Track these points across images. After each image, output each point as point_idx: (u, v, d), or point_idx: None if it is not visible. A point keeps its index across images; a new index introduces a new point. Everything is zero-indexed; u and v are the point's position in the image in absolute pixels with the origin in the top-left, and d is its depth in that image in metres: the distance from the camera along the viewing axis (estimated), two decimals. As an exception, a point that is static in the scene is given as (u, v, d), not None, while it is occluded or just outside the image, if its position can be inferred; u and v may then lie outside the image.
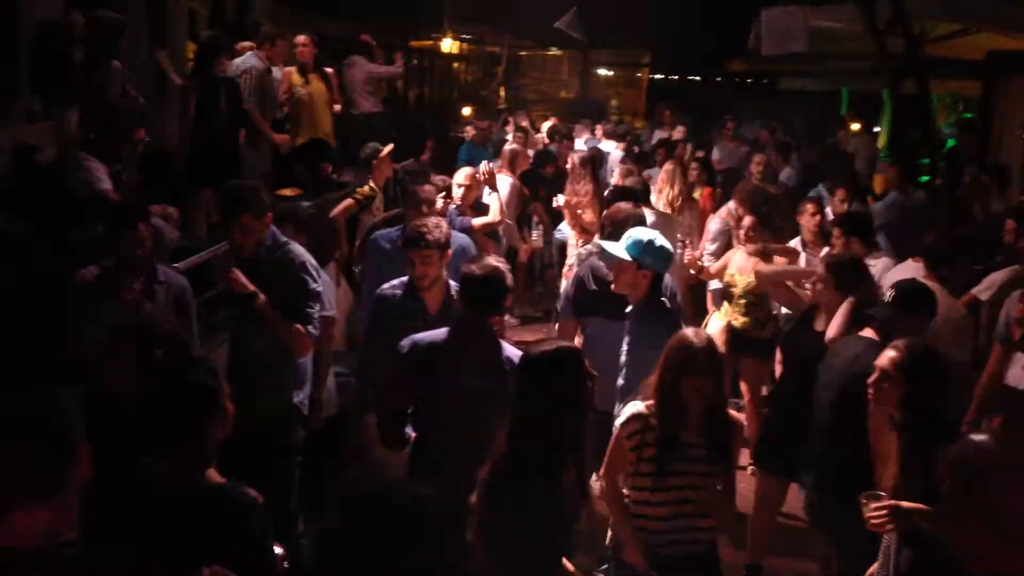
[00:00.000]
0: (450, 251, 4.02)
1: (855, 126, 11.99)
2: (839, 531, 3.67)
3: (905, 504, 2.95)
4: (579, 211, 6.77)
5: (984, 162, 8.63)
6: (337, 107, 7.93)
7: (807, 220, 5.95)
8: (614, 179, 7.61)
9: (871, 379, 3.24)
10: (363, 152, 6.47)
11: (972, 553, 1.84)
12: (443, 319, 3.71)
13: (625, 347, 3.98)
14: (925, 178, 9.08)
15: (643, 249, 4.02)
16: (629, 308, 4.05)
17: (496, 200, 6.15)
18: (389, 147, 6.47)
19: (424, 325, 3.68)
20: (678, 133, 11.36)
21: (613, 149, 10.46)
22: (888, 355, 3.18)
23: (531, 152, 9.12)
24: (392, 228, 4.94)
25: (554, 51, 19.17)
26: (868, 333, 3.92)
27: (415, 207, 4.91)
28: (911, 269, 4.94)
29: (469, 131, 10.23)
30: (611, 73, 20.14)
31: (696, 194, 7.45)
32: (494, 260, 3.72)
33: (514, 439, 2.79)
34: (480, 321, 3.51)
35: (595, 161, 7.45)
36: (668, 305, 4.13)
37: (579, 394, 2.85)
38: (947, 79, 10.90)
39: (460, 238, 4.76)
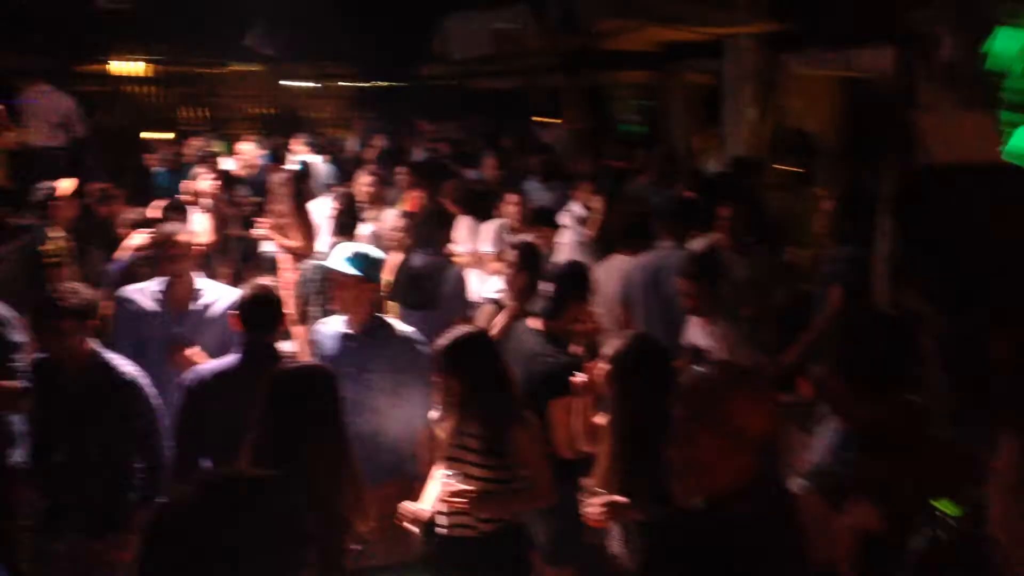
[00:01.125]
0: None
1: (545, 119, 12.65)
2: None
3: (620, 499, 3.13)
4: (284, 233, 6.63)
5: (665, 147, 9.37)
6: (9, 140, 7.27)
7: (511, 211, 6.37)
8: (325, 195, 7.55)
9: (584, 374, 3.42)
10: (35, 194, 5.97)
11: (703, 462, 2.20)
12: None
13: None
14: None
15: (367, 262, 4.00)
16: (355, 328, 4.01)
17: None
18: (69, 184, 6.01)
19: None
20: (379, 142, 11.41)
21: (319, 162, 10.38)
22: (609, 347, 3.36)
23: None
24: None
25: (245, 67, 18.58)
26: (535, 323, 4.14)
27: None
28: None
29: (157, 157, 9.75)
30: (307, 86, 19.85)
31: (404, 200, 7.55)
32: (264, 280, 3.75)
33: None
34: (263, 343, 3.56)
35: (298, 179, 7.33)
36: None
37: (327, 411, 2.88)
38: (620, 70, 11.70)
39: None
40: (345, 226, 5.99)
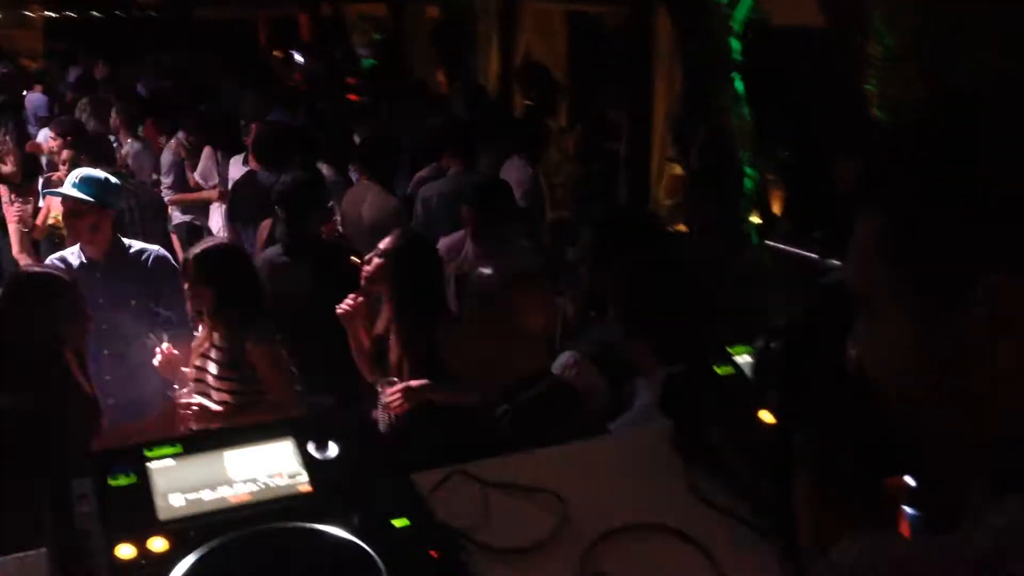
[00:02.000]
0: None
1: (277, 52, 12.21)
2: None
3: (414, 383, 3.25)
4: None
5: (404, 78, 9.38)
6: None
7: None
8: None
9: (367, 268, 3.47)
10: None
11: (491, 348, 2.42)
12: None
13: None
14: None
15: (102, 187, 3.86)
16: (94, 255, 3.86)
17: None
18: None
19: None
20: (100, 71, 10.59)
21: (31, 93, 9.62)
22: (384, 242, 3.46)
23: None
24: None
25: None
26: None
27: None
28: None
29: None
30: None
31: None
32: None
33: None
34: None
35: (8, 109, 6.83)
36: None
37: None
38: (357, 2, 11.54)
39: None
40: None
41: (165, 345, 3.44)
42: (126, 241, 4.02)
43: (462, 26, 9.30)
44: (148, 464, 1.33)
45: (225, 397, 3.38)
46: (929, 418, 0.77)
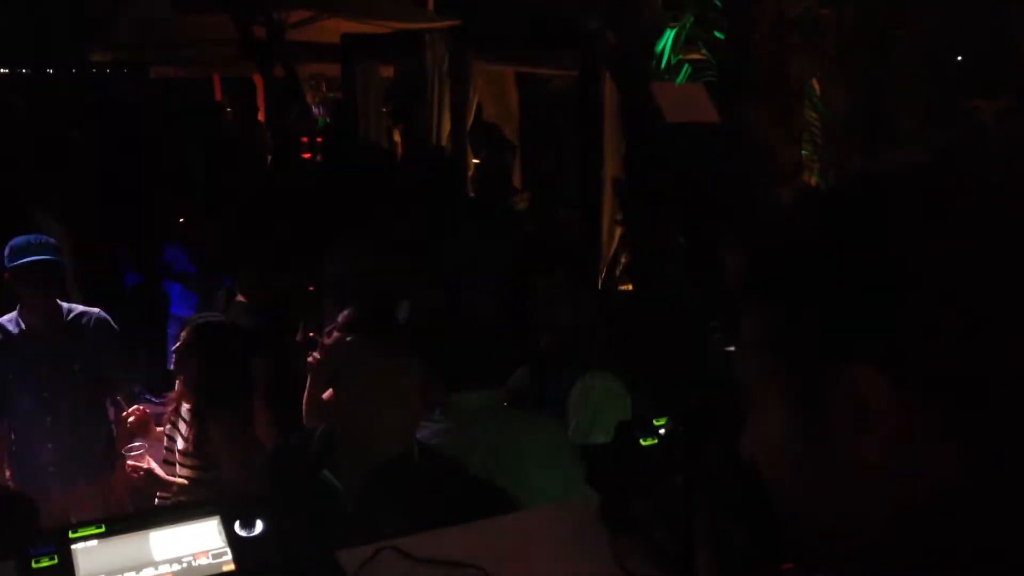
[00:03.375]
0: None
1: (229, 109, 12.22)
2: None
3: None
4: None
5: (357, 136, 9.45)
6: None
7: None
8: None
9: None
10: None
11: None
12: None
13: None
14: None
15: (54, 247, 3.84)
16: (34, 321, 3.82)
17: None
18: None
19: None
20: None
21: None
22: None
23: None
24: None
25: None
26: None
27: None
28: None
29: None
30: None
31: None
32: None
33: None
34: None
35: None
36: None
37: None
38: (310, 62, 11.61)
39: None
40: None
41: (136, 405, 3.47)
42: (64, 305, 3.94)
43: (414, 85, 9.42)
44: (72, 546, 1.33)
45: (188, 472, 3.35)
46: (808, 509, 0.78)
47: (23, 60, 17.54)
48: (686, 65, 5.84)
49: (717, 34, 4.97)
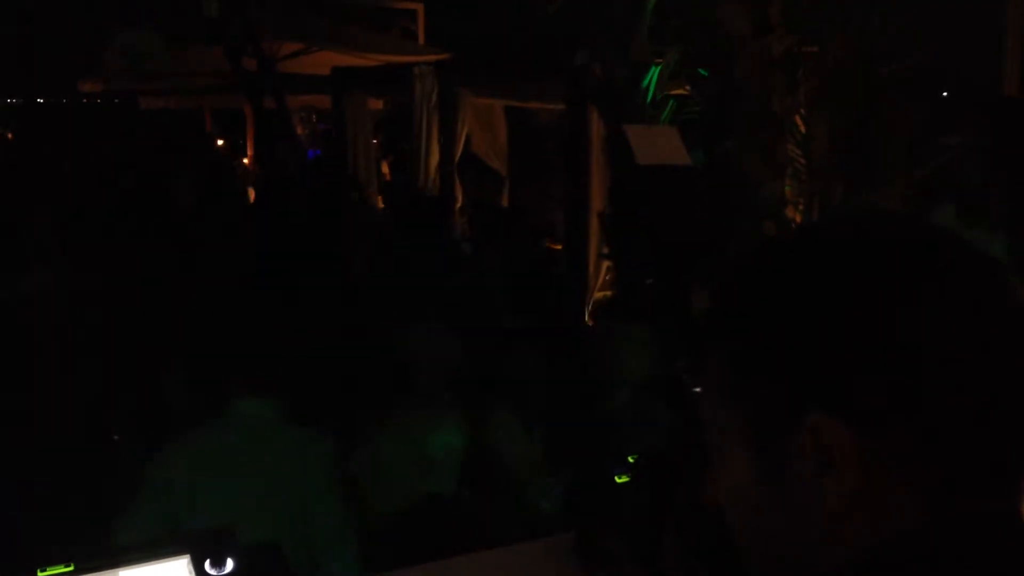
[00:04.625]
0: None
1: (220, 142, 12.30)
2: None
3: None
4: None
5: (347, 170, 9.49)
6: None
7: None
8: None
9: None
10: None
11: None
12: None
13: None
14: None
15: None
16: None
17: None
18: None
19: None
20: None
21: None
22: None
23: None
24: None
25: None
26: None
27: None
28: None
29: None
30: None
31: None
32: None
33: None
34: None
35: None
36: None
37: None
38: (301, 94, 11.67)
39: None
40: None
41: None
42: None
43: (404, 117, 9.47)
44: (39, 584, 1.32)
45: None
46: (769, 552, 0.78)
47: (13, 90, 17.59)
48: (671, 100, 5.90)
49: (701, 71, 5.03)
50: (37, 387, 3.65)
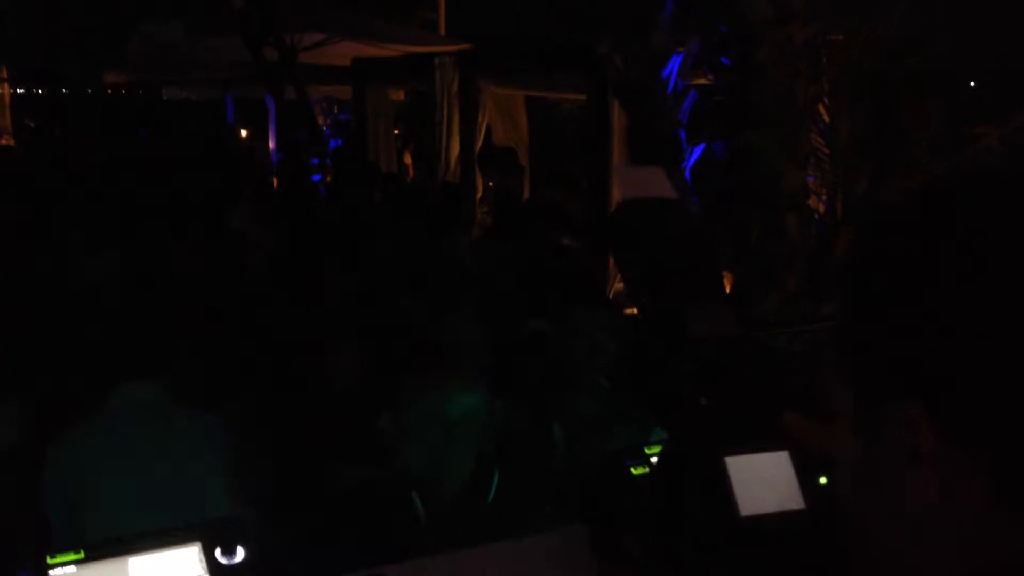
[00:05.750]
0: None
1: (243, 131, 12.36)
2: None
3: None
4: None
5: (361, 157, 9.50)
6: None
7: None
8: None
9: None
10: None
11: None
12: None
13: None
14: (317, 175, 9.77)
15: None
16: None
17: None
18: None
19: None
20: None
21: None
22: None
23: None
24: None
25: None
26: None
27: None
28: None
29: None
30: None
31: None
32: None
33: None
34: None
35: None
36: None
37: None
38: (322, 84, 11.71)
39: None
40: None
41: None
42: None
43: (424, 108, 9.46)
44: (50, 571, 1.32)
45: None
46: (871, 545, 0.74)
47: (38, 81, 17.70)
48: (693, 90, 5.85)
49: (723, 60, 4.98)
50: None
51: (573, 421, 2.98)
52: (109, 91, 16.69)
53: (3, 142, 13.57)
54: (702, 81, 5.85)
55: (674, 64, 5.70)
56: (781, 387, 1.02)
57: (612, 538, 1.60)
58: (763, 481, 1.20)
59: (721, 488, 0.94)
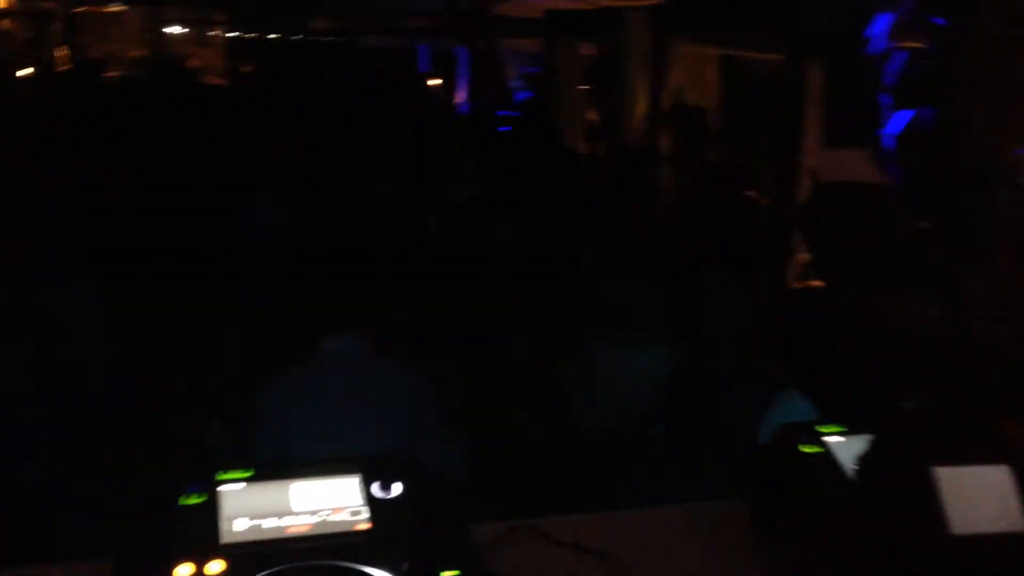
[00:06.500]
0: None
1: (433, 81, 12.59)
2: None
3: None
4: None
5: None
6: None
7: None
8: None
9: None
10: None
11: None
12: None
13: None
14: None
15: None
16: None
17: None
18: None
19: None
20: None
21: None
22: None
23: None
24: None
25: (116, 7, 17.60)
26: None
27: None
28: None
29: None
30: (186, 31, 19.00)
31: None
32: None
33: None
34: None
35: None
36: None
37: None
38: (512, 36, 11.74)
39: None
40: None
41: None
42: None
43: (613, 64, 9.32)
44: (219, 487, 1.37)
45: None
46: None
47: (250, 27, 18.62)
48: (902, 51, 5.46)
49: (937, 20, 4.62)
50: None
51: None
52: (311, 38, 17.39)
53: (221, 82, 14.39)
54: (914, 45, 5.46)
55: (882, 23, 5.34)
56: (996, 389, 0.93)
57: (774, 515, 1.52)
58: (978, 497, 1.07)
59: (930, 501, 0.85)
